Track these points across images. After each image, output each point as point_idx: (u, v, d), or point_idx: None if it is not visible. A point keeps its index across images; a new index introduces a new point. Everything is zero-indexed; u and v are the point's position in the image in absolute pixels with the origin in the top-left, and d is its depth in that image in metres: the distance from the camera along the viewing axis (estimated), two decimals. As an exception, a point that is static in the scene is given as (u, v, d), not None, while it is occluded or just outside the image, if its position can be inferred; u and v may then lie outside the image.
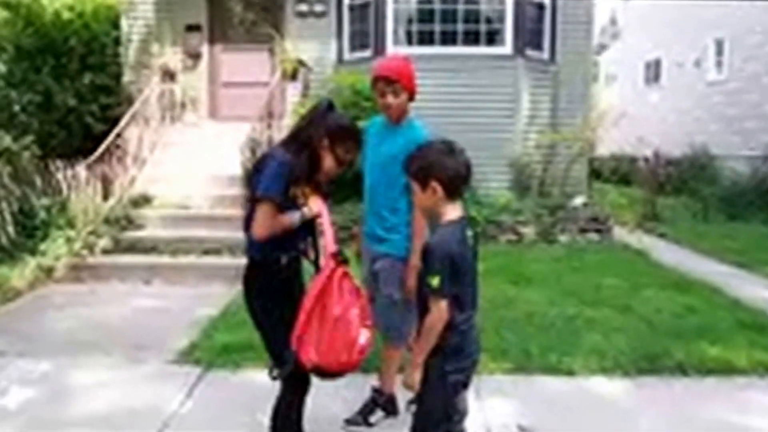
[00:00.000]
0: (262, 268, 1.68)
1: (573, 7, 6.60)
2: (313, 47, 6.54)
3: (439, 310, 1.45)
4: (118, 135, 5.38)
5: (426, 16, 6.27)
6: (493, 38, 6.32)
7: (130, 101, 6.07)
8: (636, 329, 3.05)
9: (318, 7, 6.53)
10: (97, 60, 6.36)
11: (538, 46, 6.54)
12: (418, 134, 2.07)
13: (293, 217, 1.64)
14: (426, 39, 6.25)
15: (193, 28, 6.65)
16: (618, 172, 11.09)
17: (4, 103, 5.55)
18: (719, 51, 10.10)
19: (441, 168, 1.50)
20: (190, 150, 5.72)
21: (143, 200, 5.12)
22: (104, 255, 4.44)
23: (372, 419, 2.19)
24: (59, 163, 4.90)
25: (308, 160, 1.65)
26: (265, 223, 1.59)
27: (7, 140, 4.69)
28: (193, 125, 6.42)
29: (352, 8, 6.55)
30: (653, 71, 12.73)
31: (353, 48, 6.55)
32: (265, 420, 1.75)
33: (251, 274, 1.70)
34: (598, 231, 5.60)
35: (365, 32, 6.42)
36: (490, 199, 5.62)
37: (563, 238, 5.48)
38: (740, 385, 2.51)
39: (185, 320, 3.35)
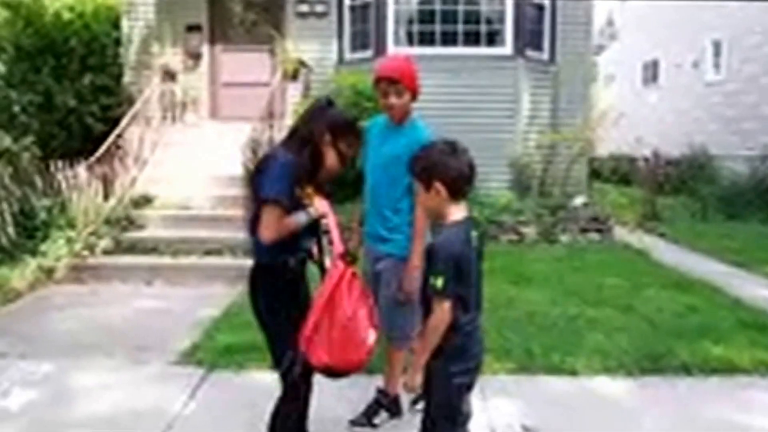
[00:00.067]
0: (270, 271, 1.66)
1: (572, 8, 6.63)
2: (314, 47, 6.54)
3: (442, 311, 1.45)
4: (119, 135, 5.37)
5: (427, 17, 6.28)
6: (493, 39, 6.34)
7: (130, 102, 6.06)
8: (638, 329, 3.06)
9: (319, 8, 6.54)
10: (98, 60, 6.35)
11: (538, 47, 6.56)
12: (421, 134, 2.07)
13: (300, 219, 1.63)
14: (427, 39, 6.26)
15: (193, 28, 6.65)
16: (617, 172, 11.13)
17: (4, 104, 5.53)
18: (717, 52, 10.14)
19: (444, 168, 1.50)
20: (191, 150, 5.71)
21: (144, 201, 5.12)
22: (105, 256, 4.43)
23: (376, 420, 2.18)
24: (60, 163, 4.88)
25: (310, 157, 1.63)
26: (273, 225, 1.57)
27: (7, 141, 4.67)
28: (193, 125, 6.42)
29: (353, 8, 6.55)
30: (651, 72, 12.77)
31: (354, 48, 6.56)
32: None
33: (258, 276, 1.69)
34: (598, 231, 5.62)
35: (366, 32, 6.42)
36: (491, 200, 5.63)
37: (564, 238, 5.49)
38: (742, 384, 2.52)
39: (187, 321, 3.34)
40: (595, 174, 8.13)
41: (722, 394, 2.45)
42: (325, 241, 1.77)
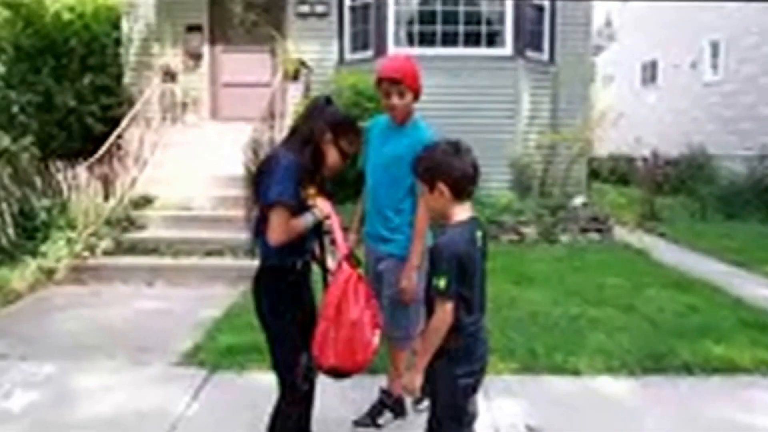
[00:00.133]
0: (276, 273, 1.65)
1: (572, 9, 6.65)
2: (314, 48, 6.54)
3: (444, 312, 1.44)
4: (119, 136, 5.36)
5: (427, 17, 6.29)
6: (493, 39, 6.36)
7: (130, 102, 6.05)
8: (640, 329, 3.07)
9: (319, 8, 6.54)
10: (98, 61, 6.34)
11: (538, 48, 6.58)
12: (424, 135, 2.07)
13: (307, 220, 1.62)
14: (427, 40, 6.27)
15: (193, 28, 6.64)
16: (616, 172, 11.16)
17: (4, 104, 5.51)
18: (715, 53, 10.18)
19: (447, 169, 1.49)
20: (192, 151, 5.70)
21: (145, 201, 5.11)
22: (106, 256, 4.42)
23: (380, 420, 2.18)
24: (59, 164, 4.87)
25: (311, 156, 1.62)
26: (281, 228, 1.56)
27: (6, 141, 4.66)
28: (194, 126, 6.41)
29: (353, 9, 6.56)
30: (650, 72, 12.82)
31: (354, 49, 6.56)
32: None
33: (263, 277, 1.68)
34: (598, 231, 5.63)
35: (366, 33, 6.43)
36: (492, 200, 5.64)
37: (564, 237, 5.50)
38: (744, 383, 2.53)
39: (188, 322, 3.33)
40: (593, 174, 8.16)
41: (724, 393, 2.45)
42: (326, 241, 1.77)
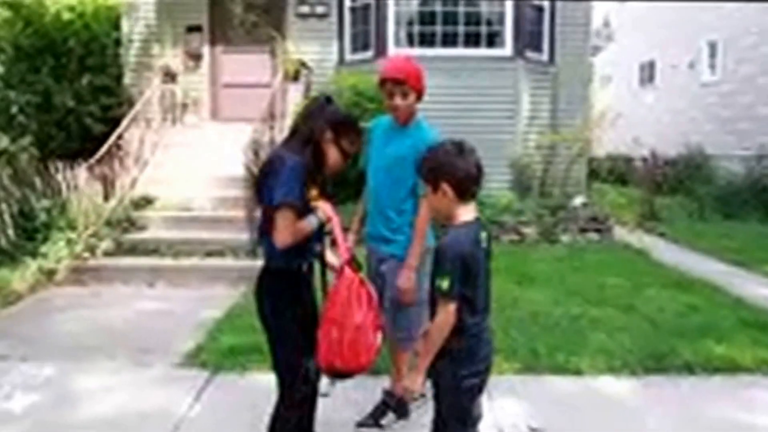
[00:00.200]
0: (281, 275, 1.65)
1: (571, 9, 6.67)
2: (314, 48, 6.54)
3: (447, 312, 1.44)
4: (119, 136, 5.34)
5: (427, 18, 6.30)
6: (493, 40, 6.37)
7: (130, 102, 6.04)
8: (641, 328, 3.08)
9: (319, 9, 6.54)
10: (98, 61, 6.33)
11: (538, 48, 6.60)
12: (426, 135, 2.07)
13: (311, 222, 1.62)
14: (427, 40, 6.28)
15: (193, 29, 6.63)
16: (614, 172, 11.19)
17: (3, 105, 5.50)
18: (713, 53, 10.22)
19: (451, 169, 1.49)
20: (192, 151, 5.70)
21: (145, 202, 5.10)
22: (106, 257, 4.41)
23: (383, 422, 2.18)
24: (59, 164, 4.86)
25: (313, 156, 1.62)
26: (288, 230, 1.55)
27: (5, 141, 4.64)
28: (194, 126, 6.41)
29: (353, 10, 6.56)
30: (648, 73, 12.86)
31: (355, 49, 6.56)
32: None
33: (266, 279, 1.67)
34: (598, 231, 5.65)
35: (366, 34, 6.43)
36: (492, 200, 5.65)
37: (564, 238, 5.52)
38: (745, 383, 2.54)
39: (190, 322, 3.33)
40: (592, 174, 8.18)
41: (725, 393, 2.46)
42: (326, 242, 1.77)
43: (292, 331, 1.64)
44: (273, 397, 1.69)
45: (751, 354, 2.73)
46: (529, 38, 6.39)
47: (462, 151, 1.52)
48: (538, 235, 5.45)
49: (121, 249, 4.53)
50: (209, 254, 4.50)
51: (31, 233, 4.51)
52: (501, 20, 6.33)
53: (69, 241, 4.34)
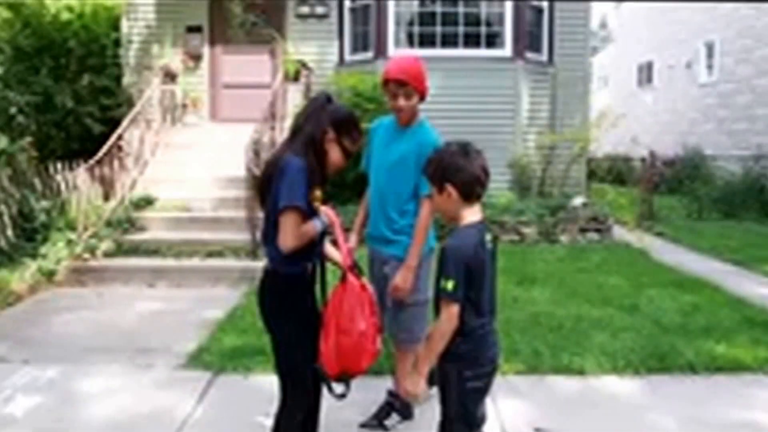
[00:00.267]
0: (285, 278, 1.64)
1: (570, 10, 6.70)
2: (314, 49, 6.55)
3: (450, 315, 1.44)
4: (119, 137, 5.33)
5: (427, 19, 6.31)
6: (492, 41, 6.39)
7: (130, 103, 6.03)
8: (643, 328, 3.09)
9: (319, 9, 6.55)
10: (97, 61, 6.32)
11: (537, 49, 6.62)
12: (429, 136, 2.07)
13: (316, 226, 1.61)
14: (427, 41, 6.29)
15: (193, 29, 6.63)
16: (613, 172, 11.24)
17: (2, 105, 5.48)
18: (710, 54, 10.27)
19: (456, 171, 1.49)
20: (192, 151, 5.69)
21: (145, 202, 5.08)
22: (106, 258, 4.40)
23: (387, 423, 2.18)
24: (59, 165, 4.84)
25: (315, 156, 1.60)
26: (293, 234, 1.54)
27: (4, 142, 4.62)
28: (194, 126, 6.40)
29: (353, 10, 6.56)
30: (645, 74, 12.91)
31: (354, 50, 6.57)
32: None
33: (270, 282, 1.66)
34: (598, 230, 5.66)
35: (366, 34, 6.44)
36: (492, 200, 5.66)
37: (564, 237, 5.53)
38: (747, 382, 2.55)
39: (191, 323, 3.32)
40: (591, 174, 8.21)
41: (728, 392, 2.47)
42: (327, 241, 1.76)
43: (295, 333, 1.64)
44: (276, 398, 1.68)
45: (752, 353, 2.74)
46: (528, 39, 6.41)
47: (468, 153, 1.52)
48: (538, 235, 5.46)
49: (121, 250, 4.52)
50: (210, 255, 4.49)
51: (30, 234, 4.49)
52: (500, 21, 6.35)
53: (69, 242, 4.32)
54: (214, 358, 2.77)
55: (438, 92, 6.01)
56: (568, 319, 3.22)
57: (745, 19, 9.22)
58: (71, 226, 4.51)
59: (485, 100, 6.17)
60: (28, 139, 5.07)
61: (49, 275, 4.11)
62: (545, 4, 6.62)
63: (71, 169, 4.83)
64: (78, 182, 4.76)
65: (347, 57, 6.60)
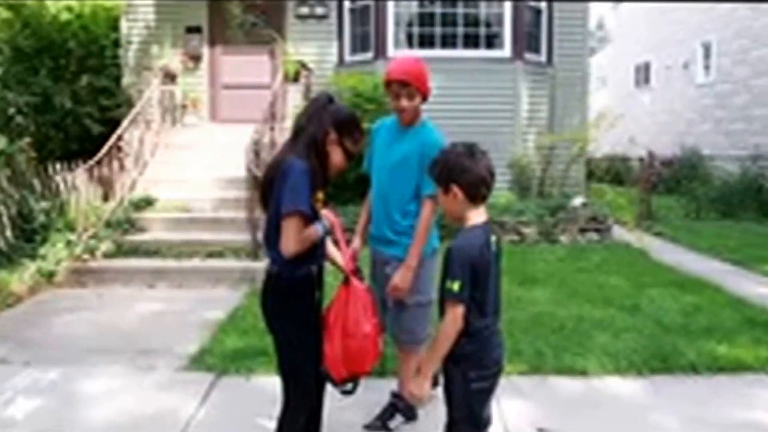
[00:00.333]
0: (288, 281, 1.63)
1: (568, 11, 6.72)
2: (314, 50, 6.55)
3: (455, 316, 1.44)
4: (119, 137, 5.31)
5: (426, 20, 6.32)
6: (492, 41, 6.40)
7: (129, 103, 6.02)
8: (645, 329, 3.09)
9: (319, 10, 6.55)
10: (97, 62, 6.31)
11: (536, 50, 6.64)
12: (431, 136, 2.07)
13: (318, 230, 1.61)
14: (426, 42, 6.30)
15: (193, 29, 6.62)
16: (611, 172, 11.27)
17: (1, 106, 5.45)
18: (707, 54, 10.31)
19: (462, 172, 1.49)
20: (192, 152, 5.68)
21: (145, 203, 5.06)
22: (106, 259, 4.38)
23: (391, 424, 2.17)
24: (58, 165, 4.82)
25: (317, 158, 1.60)
26: (295, 238, 1.53)
27: (2, 143, 4.60)
28: (193, 127, 6.38)
29: (352, 11, 6.57)
30: (643, 74, 12.96)
31: (354, 50, 6.57)
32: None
33: (273, 284, 1.65)
34: (597, 230, 5.68)
35: (366, 35, 6.44)
36: (492, 200, 5.60)
37: (564, 238, 5.54)
38: (749, 381, 2.56)
39: (193, 325, 3.31)
40: (589, 174, 8.24)
41: (730, 392, 2.48)
42: (328, 241, 1.77)
43: (298, 334, 1.63)
44: (279, 400, 1.68)
45: (754, 353, 2.75)
46: (527, 40, 6.43)
47: (473, 154, 1.52)
48: (538, 235, 5.47)
49: (121, 250, 4.50)
50: (210, 255, 4.48)
51: (29, 235, 4.47)
52: (500, 22, 6.36)
53: (68, 243, 4.31)
54: (216, 359, 2.76)
55: (437, 93, 5.96)
56: (569, 319, 3.23)
57: (742, 20, 9.27)
58: (71, 227, 4.49)
59: (485, 100, 6.18)
60: (27, 139, 5.05)
61: (49, 276, 4.09)
62: (544, 5, 6.64)
63: (70, 169, 4.81)
64: (77, 183, 4.74)
65: (347, 57, 6.60)
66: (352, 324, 1.61)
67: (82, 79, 6.11)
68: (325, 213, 1.65)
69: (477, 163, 1.51)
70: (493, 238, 1.57)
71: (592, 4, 7.15)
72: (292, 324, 1.64)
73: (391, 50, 6.20)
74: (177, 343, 3.01)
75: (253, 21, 6.36)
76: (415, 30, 6.36)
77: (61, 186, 4.75)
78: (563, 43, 6.72)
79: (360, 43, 6.51)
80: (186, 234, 4.72)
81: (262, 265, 4.09)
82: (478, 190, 1.51)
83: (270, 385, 2.42)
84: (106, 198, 4.97)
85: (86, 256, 4.29)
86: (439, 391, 1.57)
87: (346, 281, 1.70)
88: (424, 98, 2.09)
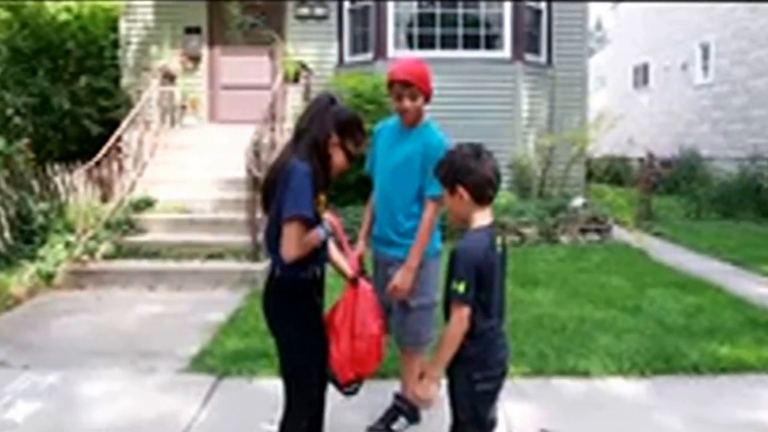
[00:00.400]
0: (290, 284, 1.61)
1: (568, 11, 6.73)
2: (313, 50, 6.54)
3: (461, 317, 1.43)
4: (118, 138, 5.29)
5: (426, 20, 6.32)
6: (492, 42, 6.41)
7: (128, 104, 6.01)
8: (647, 329, 3.09)
9: (318, 11, 6.54)
10: (95, 62, 6.29)
11: (536, 50, 6.65)
12: (434, 137, 2.06)
13: (320, 234, 1.60)
14: (426, 42, 6.30)
15: (192, 30, 6.60)
16: (610, 173, 11.30)
17: (-1, 106, 5.43)
18: (705, 55, 10.35)
19: (467, 173, 1.49)
20: (191, 153, 5.66)
21: (145, 204, 5.04)
22: (106, 260, 4.35)
23: (395, 427, 2.16)
24: (57, 166, 4.80)
25: (319, 160, 1.58)
26: (297, 243, 1.51)
27: (0, 143, 4.58)
28: (192, 128, 6.37)
29: (352, 11, 6.57)
30: (641, 75, 13.00)
31: (354, 51, 6.57)
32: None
33: (275, 287, 1.63)
34: (597, 231, 5.69)
35: (366, 35, 6.44)
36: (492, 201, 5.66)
37: (564, 238, 5.55)
38: (751, 382, 2.56)
39: (193, 326, 3.30)
40: (588, 175, 8.25)
41: (732, 392, 2.48)
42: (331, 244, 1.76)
43: (301, 338, 1.62)
44: (281, 402, 1.67)
45: (756, 354, 2.75)
46: (527, 40, 6.44)
47: (479, 155, 1.52)
48: (538, 236, 5.47)
49: (120, 252, 4.48)
50: (210, 257, 4.46)
51: (28, 236, 4.45)
52: (500, 23, 6.37)
53: (67, 245, 4.28)
54: (218, 361, 2.74)
55: (437, 94, 5.92)
56: (571, 320, 3.22)
57: (740, 21, 9.30)
58: (70, 229, 4.46)
59: (485, 101, 6.19)
60: (26, 140, 5.03)
61: (48, 278, 4.07)
62: (543, 5, 6.66)
63: (69, 171, 4.78)
64: (76, 184, 4.72)
65: (347, 58, 6.60)
66: (360, 325, 1.61)
67: (81, 80, 6.10)
68: (328, 217, 1.64)
69: (483, 164, 1.51)
70: (498, 240, 1.56)
71: (589, 5, 7.17)
72: (294, 326, 1.63)
73: (391, 51, 6.20)
74: (178, 345, 3.00)
75: (252, 21, 6.35)
76: (415, 31, 6.36)
77: (60, 187, 4.73)
78: (563, 43, 6.74)
79: (360, 44, 6.50)
80: (186, 235, 4.70)
81: (262, 266, 4.09)
82: (484, 192, 1.51)
83: (272, 387, 2.40)
84: (105, 199, 4.95)
85: (85, 258, 4.27)
86: (443, 392, 1.56)
87: (353, 282, 1.69)
88: (427, 99, 2.09)
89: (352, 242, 1.95)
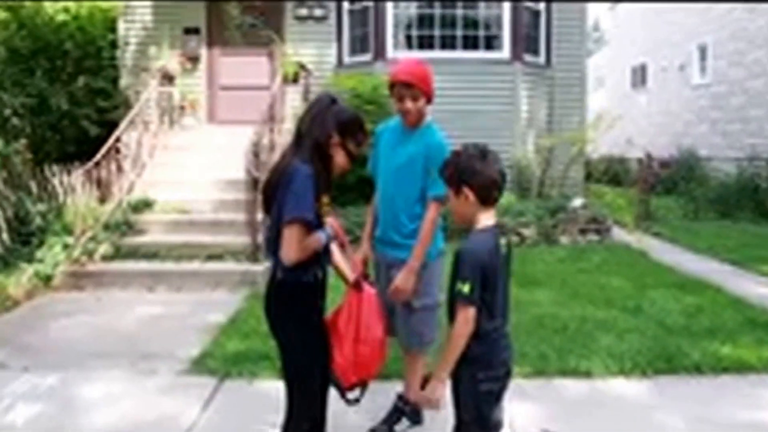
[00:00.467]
0: (292, 287, 1.60)
1: (566, 12, 6.75)
2: (313, 51, 6.54)
3: (466, 318, 1.43)
4: (117, 139, 5.27)
5: (425, 21, 6.33)
6: (491, 43, 6.42)
7: (127, 105, 5.99)
8: (648, 330, 3.10)
9: (317, 11, 6.54)
10: (93, 63, 6.27)
11: (535, 51, 6.67)
12: (436, 138, 2.06)
13: (321, 238, 1.59)
14: (425, 43, 6.31)
15: (191, 31, 6.59)
16: (609, 173, 11.33)
17: (-3, 107, 5.40)
18: (703, 56, 10.39)
19: (473, 174, 1.49)
20: (190, 154, 5.65)
21: (143, 205, 5.02)
22: (104, 261, 4.33)
23: (397, 428, 2.16)
24: (55, 167, 4.77)
25: (321, 161, 1.57)
26: (296, 246, 1.50)
27: (-2, 145, 4.56)
28: (191, 128, 6.35)
29: (351, 12, 6.56)
30: (640, 76, 13.05)
31: (353, 52, 6.57)
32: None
33: (277, 289, 1.62)
34: (597, 231, 5.69)
35: (365, 36, 6.44)
36: (492, 202, 5.65)
37: (564, 239, 5.55)
38: (752, 382, 2.57)
39: (193, 328, 3.28)
40: (587, 175, 8.27)
41: (734, 392, 2.48)
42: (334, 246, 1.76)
43: (302, 340, 1.62)
44: (283, 405, 1.66)
45: (757, 354, 2.76)
46: (526, 41, 6.45)
47: (485, 156, 1.52)
48: (538, 237, 5.48)
49: (119, 253, 4.46)
50: (210, 258, 4.45)
51: (26, 238, 4.43)
52: (498, 23, 6.38)
53: (66, 246, 4.26)
54: (218, 363, 2.73)
55: (437, 94, 5.99)
56: (572, 320, 3.22)
57: (738, 22, 9.34)
58: (68, 230, 4.44)
59: (484, 101, 6.20)
60: (23, 141, 5.01)
61: (46, 280, 4.05)
62: (542, 6, 6.67)
63: (67, 172, 4.76)
64: (75, 185, 4.70)
65: (346, 59, 6.60)
66: (365, 329, 1.61)
67: (79, 81, 6.08)
68: (330, 221, 1.64)
69: (489, 165, 1.51)
70: (503, 241, 1.56)
71: (588, 5, 7.19)
72: (296, 329, 1.62)
73: (390, 52, 6.20)
74: (178, 346, 2.99)
75: (251, 22, 6.34)
76: (414, 31, 6.37)
77: (58, 188, 4.71)
78: (561, 44, 6.75)
79: (359, 45, 6.50)
80: (185, 236, 4.69)
81: (262, 268, 4.08)
82: (489, 193, 1.51)
83: (274, 389, 2.39)
84: (103, 200, 4.93)
85: (84, 259, 4.25)
86: (446, 393, 1.56)
87: (357, 286, 1.68)
88: (429, 100, 2.09)
89: (354, 242, 1.95)
